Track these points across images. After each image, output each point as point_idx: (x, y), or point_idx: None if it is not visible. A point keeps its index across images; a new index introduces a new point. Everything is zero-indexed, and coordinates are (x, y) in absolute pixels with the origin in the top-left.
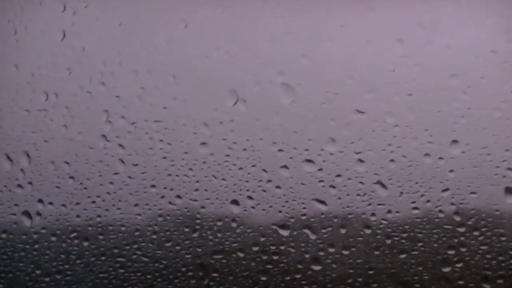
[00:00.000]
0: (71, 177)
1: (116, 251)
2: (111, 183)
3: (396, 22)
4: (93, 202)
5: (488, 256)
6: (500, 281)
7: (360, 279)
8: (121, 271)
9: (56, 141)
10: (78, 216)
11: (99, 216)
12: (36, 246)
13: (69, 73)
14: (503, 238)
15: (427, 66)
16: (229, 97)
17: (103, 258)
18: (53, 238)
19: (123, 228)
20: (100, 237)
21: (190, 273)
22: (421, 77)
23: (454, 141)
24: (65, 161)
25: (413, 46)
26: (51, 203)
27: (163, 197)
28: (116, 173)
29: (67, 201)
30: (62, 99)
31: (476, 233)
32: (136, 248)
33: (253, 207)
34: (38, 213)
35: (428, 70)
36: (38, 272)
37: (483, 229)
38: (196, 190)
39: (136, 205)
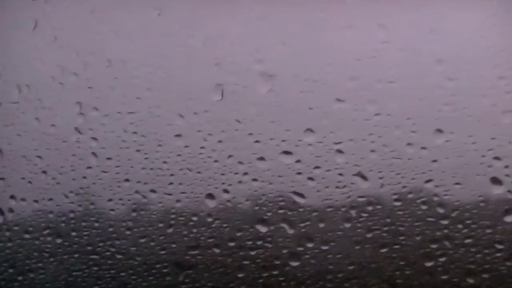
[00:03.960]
0: (44, 172)
1: (89, 248)
2: (84, 177)
3: (378, 6)
4: (66, 197)
5: (473, 249)
6: (485, 275)
7: (340, 275)
8: (95, 268)
9: (28, 135)
10: (51, 212)
11: (72, 212)
12: (9, 244)
13: (41, 63)
14: (488, 231)
15: (410, 51)
16: (204, 87)
17: (76, 255)
18: (26, 236)
19: (96, 224)
20: (73, 233)
21: (165, 270)
22: (404, 63)
23: (438, 130)
24: (37, 155)
25: (396, 31)
26: (23, 199)
27: (137, 191)
28: (89, 167)
29: (40, 196)
30: (34, 91)
31: (460, 226)
32: (109, 245)
33: (229, 201)
34: (11, 210)
35: (412, 56)
36: (11, 271)
37: (468, 222)
38: (171, 184)
39: (110, 200)
